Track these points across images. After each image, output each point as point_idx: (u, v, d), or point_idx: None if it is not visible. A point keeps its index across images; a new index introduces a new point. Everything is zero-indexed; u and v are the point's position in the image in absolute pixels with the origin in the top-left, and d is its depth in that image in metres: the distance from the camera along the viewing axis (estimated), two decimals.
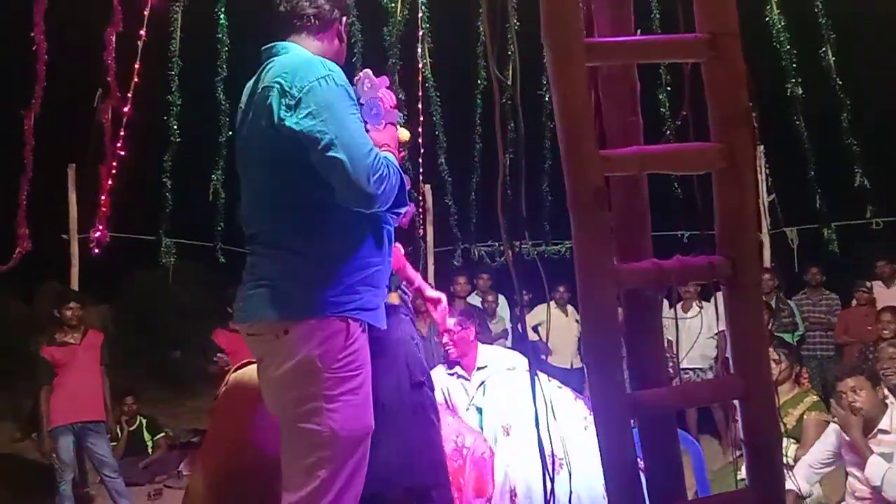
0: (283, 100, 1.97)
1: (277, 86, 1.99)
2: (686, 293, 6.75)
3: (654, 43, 1.65)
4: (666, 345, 1.85)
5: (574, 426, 3.35)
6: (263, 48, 2.19)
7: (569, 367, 7.01)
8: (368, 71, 2.37)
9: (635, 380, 1.70)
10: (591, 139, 1.53)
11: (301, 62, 2.06)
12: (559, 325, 7.04)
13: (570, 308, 7.09)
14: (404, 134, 2.53)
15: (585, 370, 1.63)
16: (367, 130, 2.15)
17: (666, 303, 3.04)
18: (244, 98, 2.19)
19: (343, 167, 1.92)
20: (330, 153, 1.92)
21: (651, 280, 1.61)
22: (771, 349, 4.39)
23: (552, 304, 6.84)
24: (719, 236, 1.65)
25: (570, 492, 2.47)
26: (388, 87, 2.39)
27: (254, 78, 2.16)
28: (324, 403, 2.02)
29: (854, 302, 7.46)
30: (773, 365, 4.24)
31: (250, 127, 2.12)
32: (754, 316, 1.65)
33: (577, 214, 1.56)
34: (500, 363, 3.91)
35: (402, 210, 2.20)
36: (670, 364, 6.95)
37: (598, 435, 1.59)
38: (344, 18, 2.26)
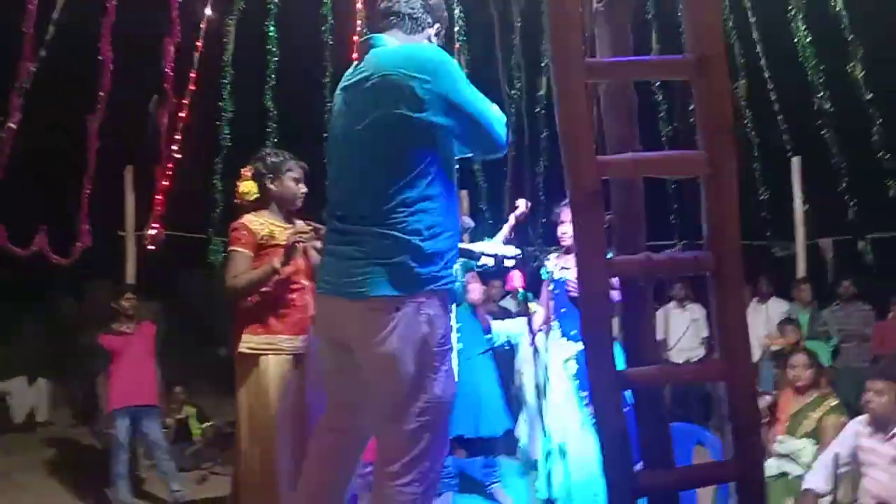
0: (414, 83, 2.13)
1: (404, 73, 2.14)
2: (677, 295, 7.46)
3: (647, 63, 1.87)
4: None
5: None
6: (361, 40, 2.39)
7: None
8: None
9: (630, 359, 1.90)
10: (589, 147, 1.76)
11: (414, 48, 2.25)
12: None
13: None
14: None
15: (584, 349, 1.84)
16: None
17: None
18: (344, 88, 2.34)
19: (486, 135, 2.17)
20: (472, 121, 2.14)
21: (642, 271, 1.82)
22: (804, 354, 4.57)
23: None
24: (706, 234, 1.85)
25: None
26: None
27: (353, 68, 2.32)
28: (430, 374, 2.19)
29: (890, 314, 7.48)
30: (804, 369, 4.44)
31: (360, 112, 2.25)
32: (736, 305, 1.85)
33: (576, 213, 1.78)
34: None
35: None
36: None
37: (593, 406, 1.81)
38: (437, 26, 2.41)
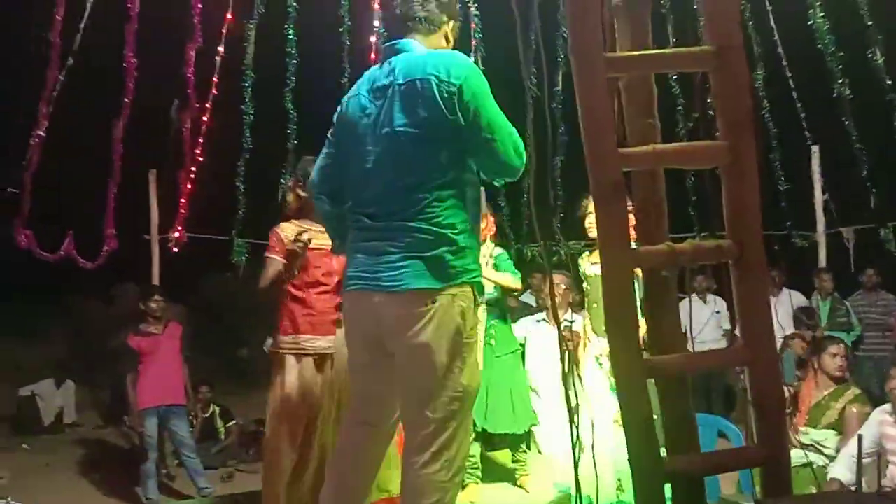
0: (442, 88, 2.18)
1: (434, 78, 2.21)
2: (699, 287, 7.29)
3: (667, 56, 1.90)
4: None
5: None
6: (385, 45, 2.44)
7: None
8: None
9: (654, 347, 1.94)
10: (611, 139, 1.79)
11: (444, 56, 2.30)
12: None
13: None
14: None
15: (608, 338, 1.88)
16: None
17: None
18: (368, 90, 2.39)
19: (496, 146, 2.20)
20: (486, 135, 2.19)
21: (665, 260, 1.85)
22: (839, 345, 4.55)
23: None
24: (727, 223, 1.88)
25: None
26: None
27: (377, 71, 2.39)
28: (460, 364, 2.26)
29: None
30: (838, 360, 4.41)
31: (391, 114, 2.29)
32: (759, 292, 1.88)
33: (599, 204, 1.82)
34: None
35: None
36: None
37: (618, 393, 1.84)
38: (452, 22, 2.47)
